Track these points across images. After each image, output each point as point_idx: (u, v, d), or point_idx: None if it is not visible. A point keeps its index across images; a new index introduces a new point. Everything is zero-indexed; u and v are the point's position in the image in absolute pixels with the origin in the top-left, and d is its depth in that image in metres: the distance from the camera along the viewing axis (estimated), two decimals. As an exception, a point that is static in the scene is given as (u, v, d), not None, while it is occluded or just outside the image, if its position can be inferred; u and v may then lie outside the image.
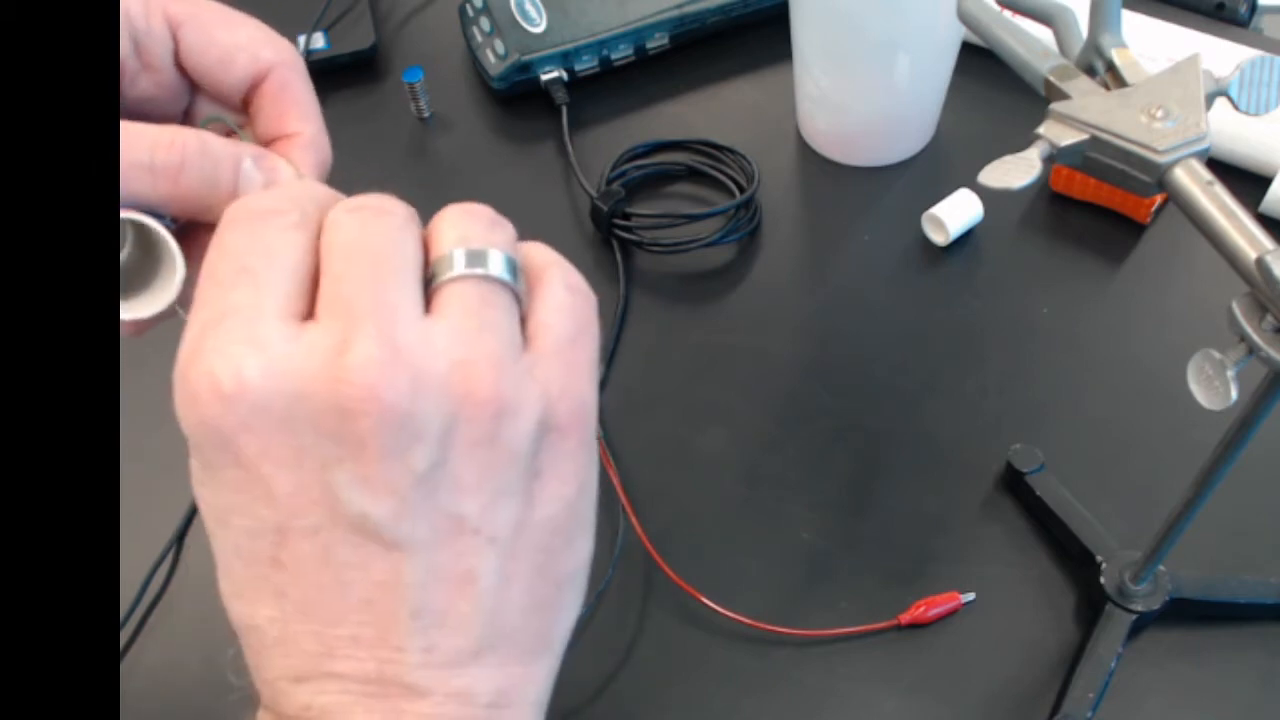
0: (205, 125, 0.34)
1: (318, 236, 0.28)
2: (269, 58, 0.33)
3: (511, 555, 0.28)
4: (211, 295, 0.27)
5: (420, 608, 0.27)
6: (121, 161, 0.29)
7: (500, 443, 0.27)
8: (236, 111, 0.35)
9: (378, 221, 0.28)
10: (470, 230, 0.28)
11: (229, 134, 0.34)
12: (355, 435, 0.25)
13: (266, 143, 0.34)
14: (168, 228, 0.31)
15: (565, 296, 0.29)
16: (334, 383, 0.25)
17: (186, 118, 0.35)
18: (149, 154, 0.30)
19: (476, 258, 0.28)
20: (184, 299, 0.33)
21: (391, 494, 0.26)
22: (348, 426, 0.25)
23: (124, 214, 0.30)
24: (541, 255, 0.30)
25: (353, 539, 0.26)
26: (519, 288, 0.29)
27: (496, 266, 0.28)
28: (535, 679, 0.30)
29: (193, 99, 0.35)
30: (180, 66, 0.34)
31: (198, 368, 0.26)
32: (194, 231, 0.33)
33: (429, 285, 0.28)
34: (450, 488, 0.27)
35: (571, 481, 0.29)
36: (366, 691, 0.27)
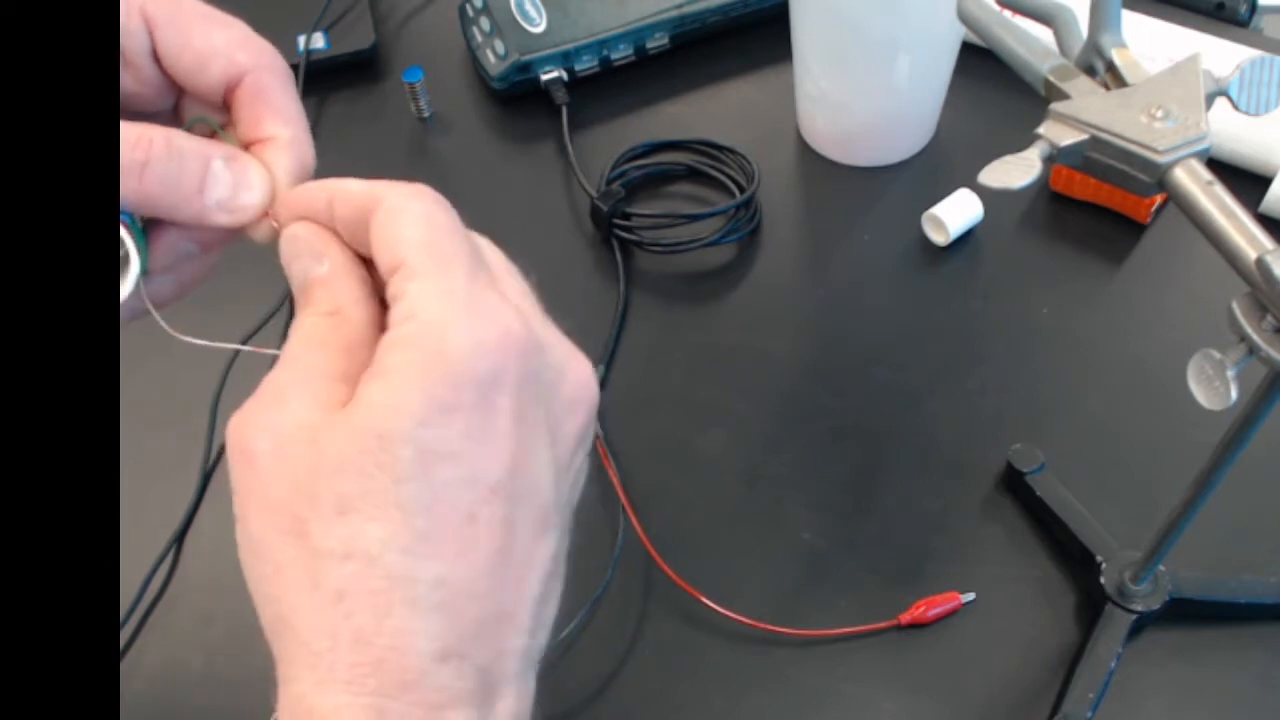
0: (190, 126, 0.34)
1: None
2: (244, 62, 0.33)
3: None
4: (468, 273, 0.29)
5: (544, 593, 0.30)
6: None
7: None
8: (221, 112, 0.35)
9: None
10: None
11: (212, 135, 0.34)
12: (579, 426, 0.31)
13: (246, 146, 0.34)
14: (128, 223, 0.31)
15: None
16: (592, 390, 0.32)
17: (176, 115, 0.35)
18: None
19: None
20: (156, 296, 0.33)
21: (570, 480, 0.31)
22: (576, 416, 0.31)
23: None
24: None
25: (534, 515, 0.29)
26: None
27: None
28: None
29: (180, 97, 0.35)
30: (159, 65, 0.34)
31: (498, 325, 0.28)
32: (164, 227, 0.33)
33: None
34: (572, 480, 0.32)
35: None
36: (479, 687, 0.28)
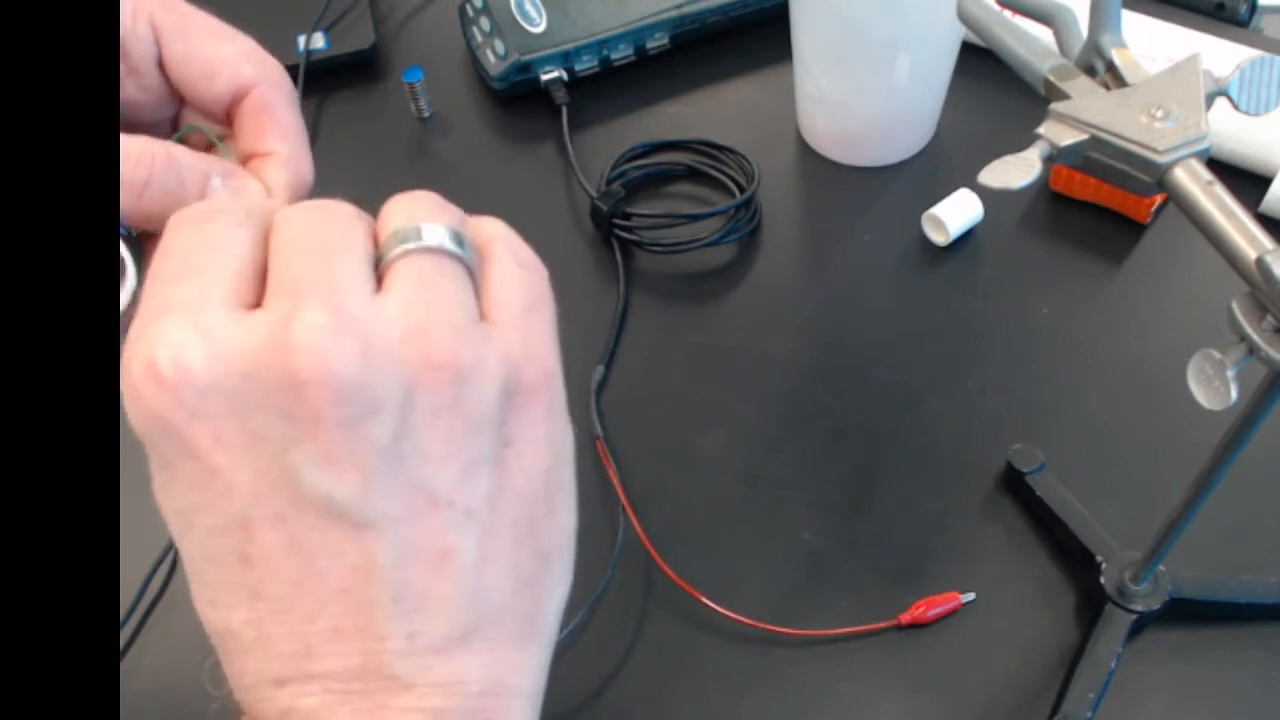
0: (183, 134, 0.34)
1: (265, 235, 0.27)
2: (250, 75, 0.33)
3: (490, 529, 0.27)
4: (154, 293, 0.26)
5: (399, 591, 0.26)
6: None
7: (465, 408, 0.26)
8: (221, 124, 0.35)
9: (325, 215, 0.27)
10: (415, 211, 0.28)
11: (209, 146, 0.34)
12: (309, 410, 0.25)
13: (245, 159, 0.34)
14: (123, 236, 0.31)
15: (516, 269, 0.29)
16: (280, 354, 0.24)
17: (174, 124, 0.35)
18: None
19: (424, 232, 0.27)
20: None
21: (355, 469, 0.25)
22: (300, 401, 0.24)
23: None
24: (489, 229, 0.30)
25: (320, 523, 0.26)
26: (469, 259, 0.28)
27: (442, 237, 0.28)
28: (527, 665, 0.29)
29: (181, 107, 0.35)
30: (164, 74, 0.34)
31: (138, 359, 0.25)
32: (153, 242, 0.33)
33: (378, 266, 0.27)
34: (417, 459, 0.26)
35: (545, 447, 0.28)
36: (349, 690, 0.26)
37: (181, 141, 0.34)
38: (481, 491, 0.27)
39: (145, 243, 0.33)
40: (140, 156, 0.30)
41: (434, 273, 0.27)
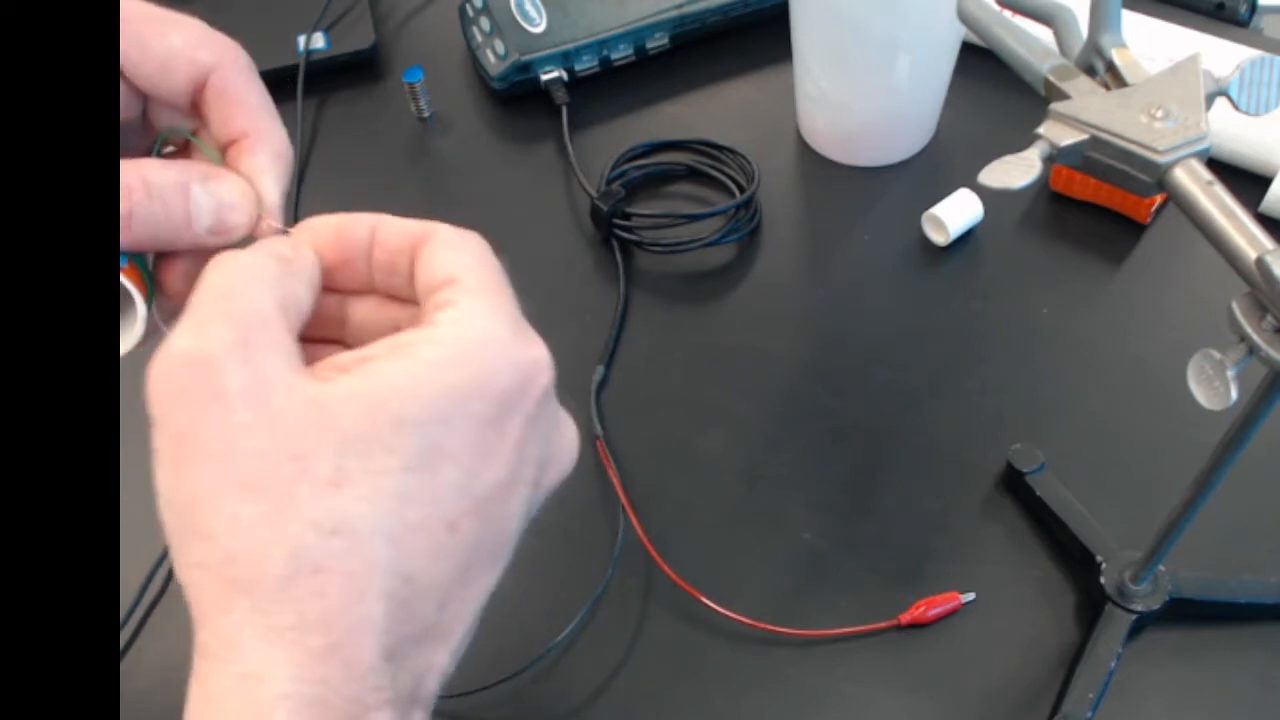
0: (163, 138, 0.34)
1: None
2: (206, 60, 0.32)
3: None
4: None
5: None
6: None
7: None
8: (190, 116, 0.34)
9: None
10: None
11: (186, 145, 0.34)
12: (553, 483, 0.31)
13: (223, 146, 0.33)
14: (136, 265, 0.32)
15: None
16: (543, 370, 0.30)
17: (145, 121, 0.34)
18: None
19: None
20: (157, 322, 0.33)
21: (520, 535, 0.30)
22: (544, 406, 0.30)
23: None
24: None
25: (496, 552, 0.29)
26: None
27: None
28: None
29: (147, 104, 0.34)
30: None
31: (536, 347, 0.29)
32: (170, 259, 0.33)
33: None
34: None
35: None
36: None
37: (162, 144, 0.34)
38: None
39: (165, 258, 0.33)
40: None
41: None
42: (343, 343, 0.33)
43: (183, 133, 0.34)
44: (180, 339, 0.27)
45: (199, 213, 0.31)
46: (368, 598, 0.26)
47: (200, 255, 0.32)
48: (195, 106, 0.33)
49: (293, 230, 0.32)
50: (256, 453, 0.26)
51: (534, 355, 0.29)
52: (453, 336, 0.28)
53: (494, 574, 0.29)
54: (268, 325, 0.27)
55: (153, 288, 0.32)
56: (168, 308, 0.33)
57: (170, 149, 0.35)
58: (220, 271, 0.29)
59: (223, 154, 0.33)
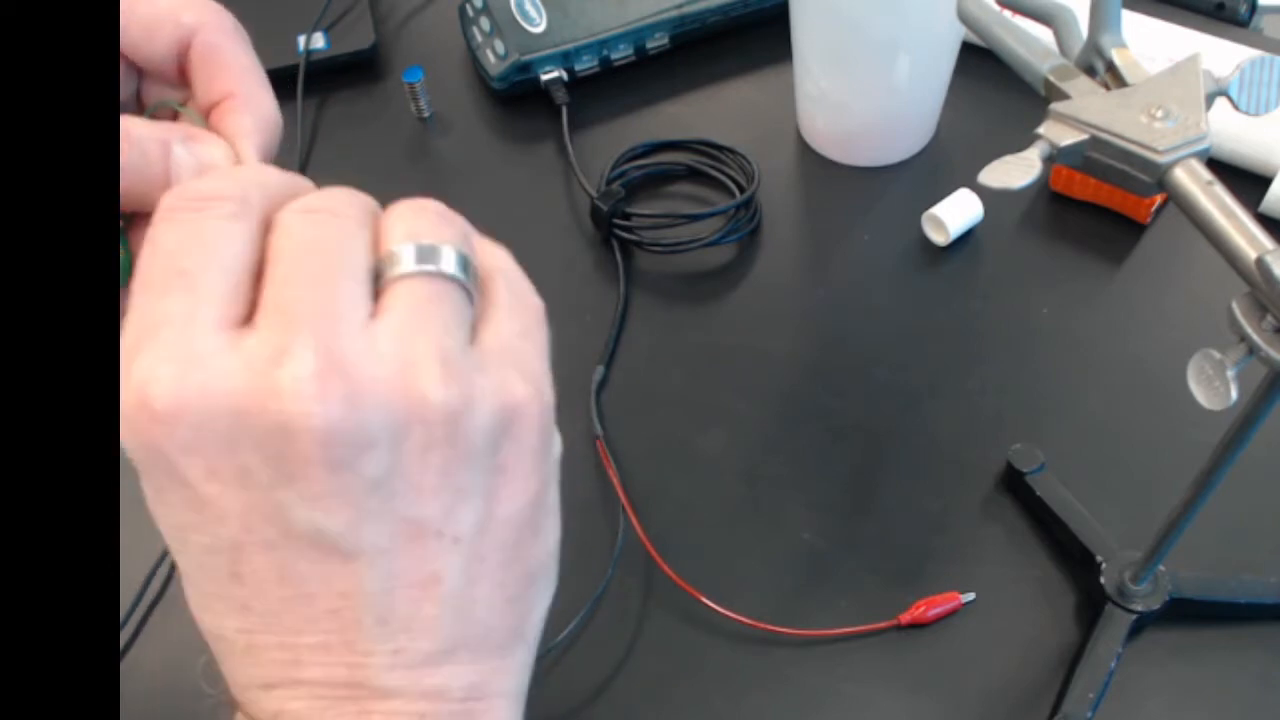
0: (150, 112, 0.33)
1: (263, 227, 0.27)
2: (190, 22, 0.32)
3: (477, 554, 0.27)
4: (144, 302, 0.26)
5: (385, 614, 0.27)
6: None
7: (457, 443, 0.26)
8: (179, 86, 0.33)
9: (329, 224, 0.27)
10: (419, 225, 0.28)
11: (174, 116, 0.33)
12: (299, 453, 0.25)
13: (208, 110, 0.33)
14: None
15: (513, 298, 0.29)
16: (271, 399, 0.24)
17: (138, 102, 0.34)
18: None
19: (427, 254, 0.27)
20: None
21: (345, 506, 0.25)
22: (290, 445, 0.24)
23: None
24: (492, 260, 0.30)
25: (310, 553, 0.26)
26: (470, 285, 0.28)
27: (447, 262, 0.27)
28: (510, 670, 0.29)
29: (141, 81, 0.34)
30: None
31: (131, 388, 0.25)
32: (139, 221, 0.31)
33: (376, 281, 0.27)
34: (408, 493, 0.26)
35: (535, 475, 0.28)
36: (336, 695, 0.27)
37: (151, 117, 0.33)
38: (470, 520, 0.27)
39: (134, 222, 0.32)
40: None
41: (432, 298, 0.27)
42: None
43: (171, 104, 0.33)
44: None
45: (179, 171, 0.30)
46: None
47: None
48: (183, 74, 0.33)
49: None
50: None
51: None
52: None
53: None
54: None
55: (128, 255, 0.31)
56: None
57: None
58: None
59: (206, 116, 0.33)
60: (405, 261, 0.27)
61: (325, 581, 0.26)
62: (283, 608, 0.26)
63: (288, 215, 0.27)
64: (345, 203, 0.28)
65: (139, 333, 0.25)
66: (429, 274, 0.27)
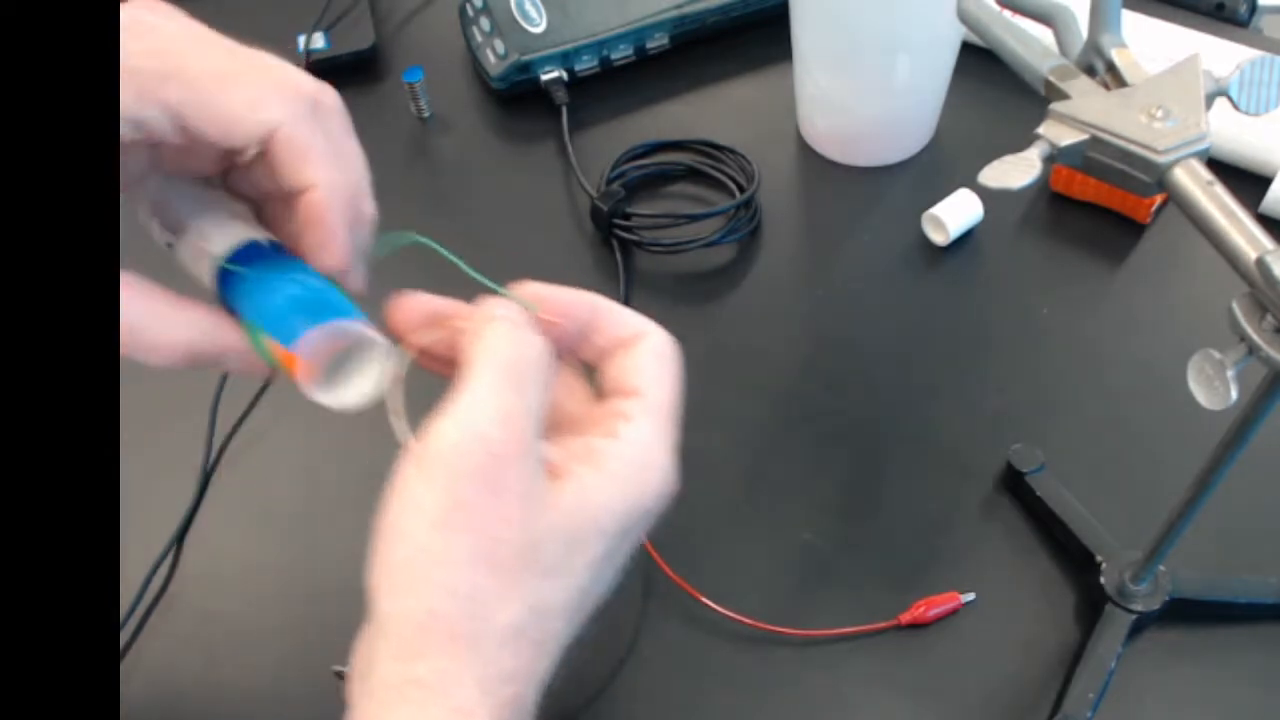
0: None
1: None
2: (269, 119, 0.33)
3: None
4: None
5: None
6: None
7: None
8: (269, 175, 0.35)
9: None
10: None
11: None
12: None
13: (293, 198, 0.34)
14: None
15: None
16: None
17: (223, 173, 0.37)
18: None
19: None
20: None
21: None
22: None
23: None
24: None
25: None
26: None
27: None
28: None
29: (230, 170, 0.36)
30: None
31: (671, 476, 0.35)
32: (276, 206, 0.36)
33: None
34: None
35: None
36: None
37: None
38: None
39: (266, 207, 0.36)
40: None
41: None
42: None
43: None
44: (489, 426, 0.31)
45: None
46: (543, 659, 0.32)
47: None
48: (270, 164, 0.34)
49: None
50: (508, 541, 0.31)
51: (670, 486, 0.35)
52: (633, 456, 0.34)
53: None
54: (536, 431, 0.32)
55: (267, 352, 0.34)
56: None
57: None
58: (513, 353, 0.33)
59: (291, 204, 0.35)
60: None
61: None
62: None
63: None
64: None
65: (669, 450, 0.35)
66: None
